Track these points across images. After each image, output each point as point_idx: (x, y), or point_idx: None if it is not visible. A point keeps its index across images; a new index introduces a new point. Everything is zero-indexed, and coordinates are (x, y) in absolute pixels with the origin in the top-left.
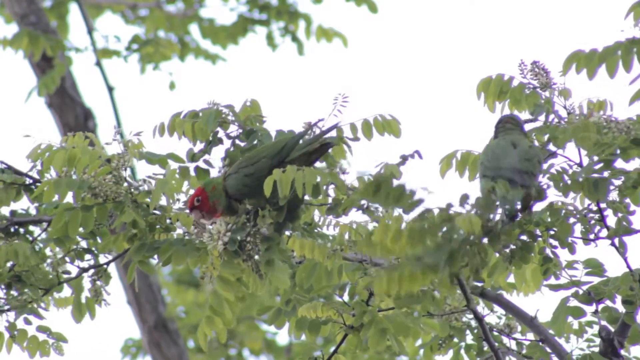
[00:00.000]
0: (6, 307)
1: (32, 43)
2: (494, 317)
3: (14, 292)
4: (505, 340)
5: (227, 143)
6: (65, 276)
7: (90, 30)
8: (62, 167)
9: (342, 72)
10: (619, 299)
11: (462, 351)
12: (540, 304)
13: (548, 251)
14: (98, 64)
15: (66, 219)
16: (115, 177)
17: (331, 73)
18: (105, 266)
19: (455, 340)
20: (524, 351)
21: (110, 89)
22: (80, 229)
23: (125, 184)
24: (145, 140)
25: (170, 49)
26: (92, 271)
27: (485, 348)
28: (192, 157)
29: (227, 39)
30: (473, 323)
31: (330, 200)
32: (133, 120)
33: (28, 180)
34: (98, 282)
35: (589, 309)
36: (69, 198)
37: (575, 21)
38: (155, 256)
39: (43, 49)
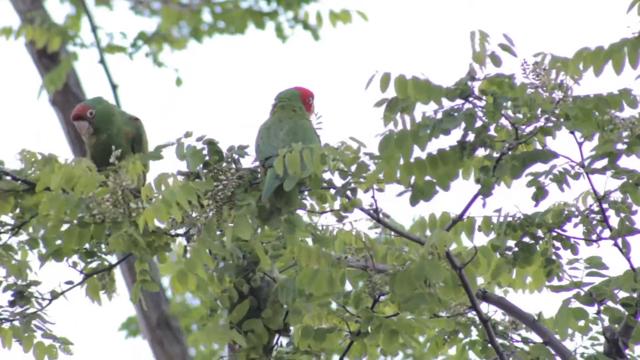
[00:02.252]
0: (12, 319)
1: (36, 30)
2: (499, 313)
3: (18, 308)
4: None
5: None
6: (67, 286)
7: (94, 28)
8: (60, 185)
9: (338, 73)
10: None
11: (467, 347)
12: (543, 302)
13: (550, 252)
14: (102, 61)
15: (61, 235)
16: (113, 200)
17: (329, 69)
18: (106, 271)
19: (460, 335)
20: (527, 350)
21: (114, 87)
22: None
23: (122, 208)
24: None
25: (178, 44)
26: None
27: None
28: None
29: (240, 21)
30: (478, 319)
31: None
32: (138, 116)
33: (24, 187)
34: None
35: (591, 309)
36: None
37: (576, 20)
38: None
39: (46, 40)
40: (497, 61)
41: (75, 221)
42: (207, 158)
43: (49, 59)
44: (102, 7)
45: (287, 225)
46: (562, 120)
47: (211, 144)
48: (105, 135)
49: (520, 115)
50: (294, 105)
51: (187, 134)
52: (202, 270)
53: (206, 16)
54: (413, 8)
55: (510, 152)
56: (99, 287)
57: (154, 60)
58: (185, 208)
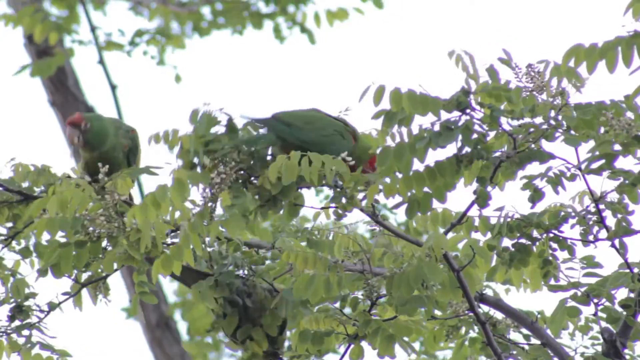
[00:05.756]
0: (12, 333)
1: (37, 23)
2: (499, 314)
3: (17, 322)
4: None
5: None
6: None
7: (93, 29)
8: (55, 213)
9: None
10: (618, 298)
11: (467, 343)
12: (544, 300)
13: (547, 254)
14: (101, 62)
15: (58, 256)
16: (106, 216)
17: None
18: (101, 280)
19: (462, 331)
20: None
21: (113, 87)
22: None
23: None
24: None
25: (177, 42)
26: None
27: None
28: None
29: (240, 18)
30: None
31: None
32: (137, 118)
33: (18, 197)
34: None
35: (589, 309)
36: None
37: (575, 19)
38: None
39: (45, 34)
40: (494, 75)
41: (71, 240)
42: (220, 123)
43: (47, 53)
44: (99, 10)
45: (290, 209)
46: (560, 130)
47: (230, 121)
48: (97, 152)
49: (518, 122)
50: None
51: (206, 104)
52: (190, 256)
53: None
54: (411, 8)
55: (507, 159)
56: (85, 295)
57: (152, 58)
58: (177, 206)
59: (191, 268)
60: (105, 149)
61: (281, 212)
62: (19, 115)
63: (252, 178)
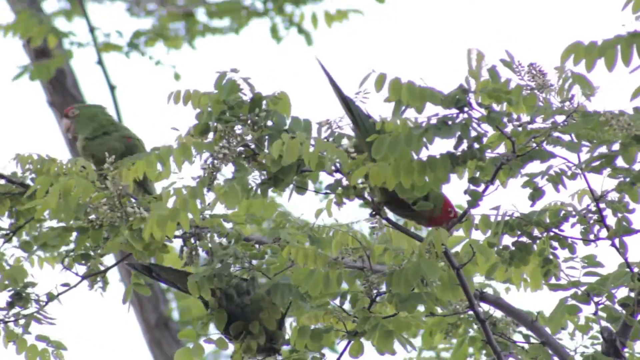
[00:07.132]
0: (11, 320)
1: (34, 27)
2: (499, 312)
3: (16, 309)
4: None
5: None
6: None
7: (92, 29)
8: (58, 198)
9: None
10: (618, 297)
11: (467, 342)
12: (544, 299)
13: (548, 252)
14: (100, 62)
15: (56, 234)
16: (110, 205)
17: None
18: (101, 274)
19: (461, 331)
20: (527, 348)
21: (112, 88)
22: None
23: (120, 213)
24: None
25: (174, 43)
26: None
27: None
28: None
29: (234, 20)
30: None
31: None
32: (136, 118)
33: (20, 189)
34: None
35: (589, 309)
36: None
37: (576, 18)
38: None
39: (44, 37)
40: (495, 77)
41: (72, 224)
42: (243, 91)
43: (45, 55)
44: (97, 7)
45: (298, 188)
46: (562, 138)
47: (258, 96)
48: (85, 140)
49: (518, 124)
50: None
51: (234, 70)
52: (185, 220)
53: (201, 16)
54: (411, 9)
55: (508, 162)
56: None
57: (150, 59)
58: (178, 166)
59: (185, 272)
60: (91, 136)
61: (283, 194)
62: (18, 116)
63: (257, 155)
